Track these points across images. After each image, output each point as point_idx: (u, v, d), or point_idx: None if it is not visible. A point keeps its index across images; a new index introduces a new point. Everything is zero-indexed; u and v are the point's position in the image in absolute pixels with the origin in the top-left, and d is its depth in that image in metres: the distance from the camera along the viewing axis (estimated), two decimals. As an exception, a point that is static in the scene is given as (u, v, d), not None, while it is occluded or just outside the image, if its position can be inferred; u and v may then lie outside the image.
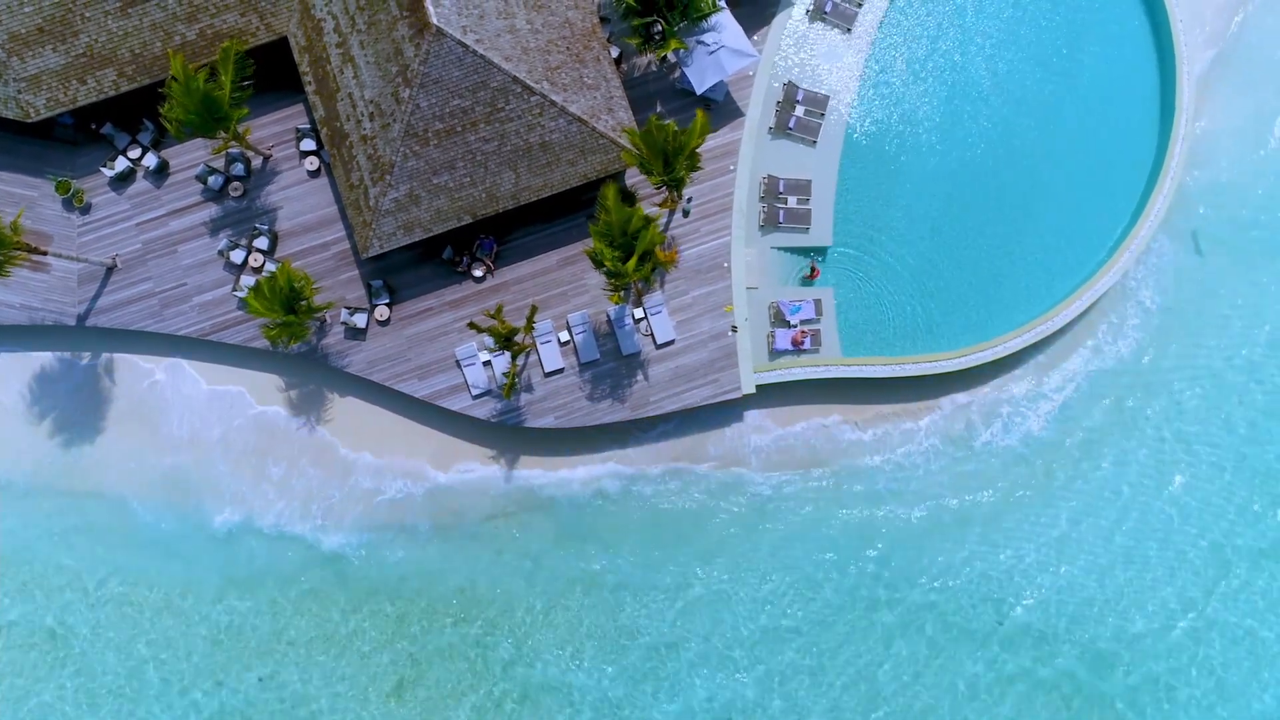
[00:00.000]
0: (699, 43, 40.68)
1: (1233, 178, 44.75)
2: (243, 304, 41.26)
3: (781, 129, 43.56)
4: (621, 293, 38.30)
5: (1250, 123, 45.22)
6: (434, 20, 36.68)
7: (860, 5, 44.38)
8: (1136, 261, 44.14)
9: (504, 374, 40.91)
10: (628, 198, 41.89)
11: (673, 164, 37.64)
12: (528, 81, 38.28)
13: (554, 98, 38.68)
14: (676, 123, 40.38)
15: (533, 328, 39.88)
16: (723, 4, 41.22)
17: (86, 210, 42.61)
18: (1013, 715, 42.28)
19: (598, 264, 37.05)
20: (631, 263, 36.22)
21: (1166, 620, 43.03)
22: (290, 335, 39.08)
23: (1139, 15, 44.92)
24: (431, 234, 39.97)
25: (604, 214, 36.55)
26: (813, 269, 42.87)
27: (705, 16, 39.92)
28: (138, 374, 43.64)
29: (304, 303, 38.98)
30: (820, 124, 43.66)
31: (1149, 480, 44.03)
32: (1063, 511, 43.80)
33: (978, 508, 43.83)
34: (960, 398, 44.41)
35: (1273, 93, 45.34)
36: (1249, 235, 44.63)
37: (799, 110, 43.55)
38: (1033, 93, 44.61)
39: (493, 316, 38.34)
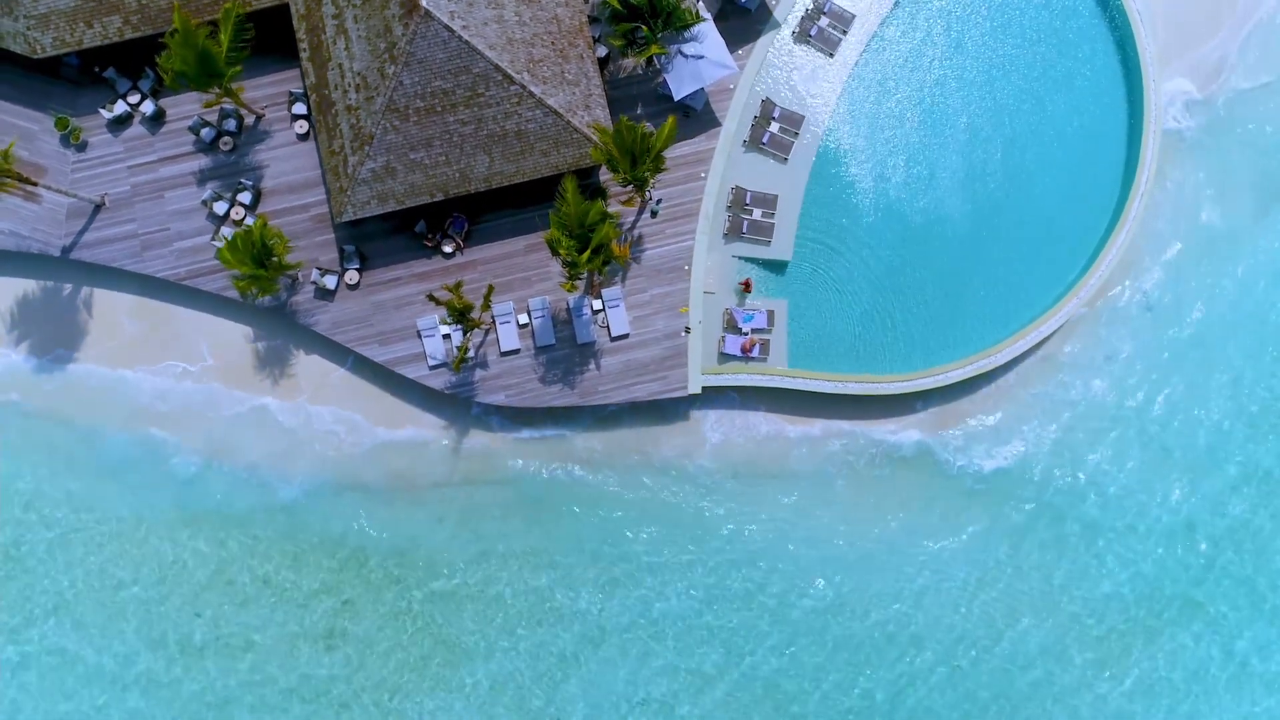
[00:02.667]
0: (680, 51, 42.19)
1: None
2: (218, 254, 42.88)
3: (755, 143, 45.01)
4: (576, 282, 39.82)
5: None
6: (423, 3, 38.32)
7: (845, 32, 45.76)
8: (1087, 306, 45.38)
9: (458, 347, 42.46)
10: (598, 193, 43.53)
11: (639, 164, 39.16)
12: (509, 71, 39.88)
13: (533, 89, 40.27)
14: (647, 125, 41.82)
15: (489, 307, 41.50)
16: (707, 16, 42.71)
17: (82, 148, 44.39)
18: None
19: (554, 252, 38.61)
20: (586, 254, 37.76)
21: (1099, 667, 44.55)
22: (259, 289, 40.76)
23: (1114, 68, 46.17)
24: (404, 206, 41.59)
25: (563, 205, 38.10)
26: (746, 283, 44.27)
27: (688, 26, 41.43)
28: (115, 310, 45.28)
29: (275, 259, 40.64)
30: (793, 142, 45.09)
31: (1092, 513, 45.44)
32: (1002, 542, 45.20)
33: (922, 529, 45.12)
34: (902, 420, 45.62)
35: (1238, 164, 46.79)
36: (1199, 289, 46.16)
37: (774, 127, 44.99)
38: (1002, 133, 45.96)
39: (450, 291, 39.91)
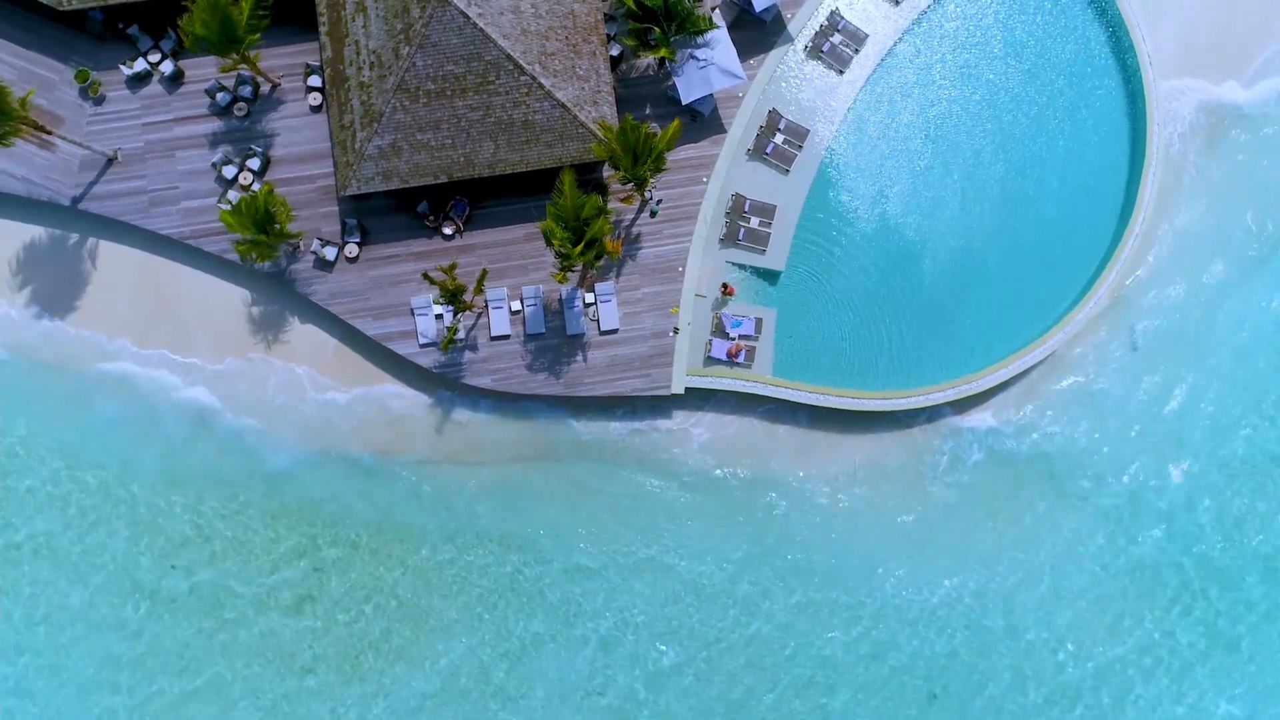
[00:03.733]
0: (691, 56, 42.85)
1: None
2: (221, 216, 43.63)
3: (759, 152, 45.61)
4: (568, 274, 40.48)
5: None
6: (441, -12, 39.08)
7: (857, 51, 46.33)
8: (1071, 341, 45.89)
9: (447, 328, 43.15)
10: (600, 189, 44.18)
11: (640, 163, 39.83)
12: (521, 61, 40.60)
13: (543, 81, 40.97)
14: (653, 125, 42.55)
15: (482, 291, 42.20)
16: (720, 24, 43.36)
17: (100, 102, 45.23)
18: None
19: (549, 242, 39.31)
20: (579, 247, 38.43)
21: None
22: (258, 254, 41.55)
23: (1120, 104, 46.72)
24: (407, 185, 42.34)
25: (560, 197, 38.78)
26: (725, 286, 44.82)
27: (701, 32, 42.06)
28: (118, 265, 46.05)
29: (276, 226, 41.42)
30: (796, 155, 45.68)
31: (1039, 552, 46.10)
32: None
33: (892, 546, 45.89)
34: (878, 437, 46.17)
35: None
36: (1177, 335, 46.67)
37: (779, 138, 45.59)
38: (1004, 160, 46.54)
39: (444, 272, 40.62)
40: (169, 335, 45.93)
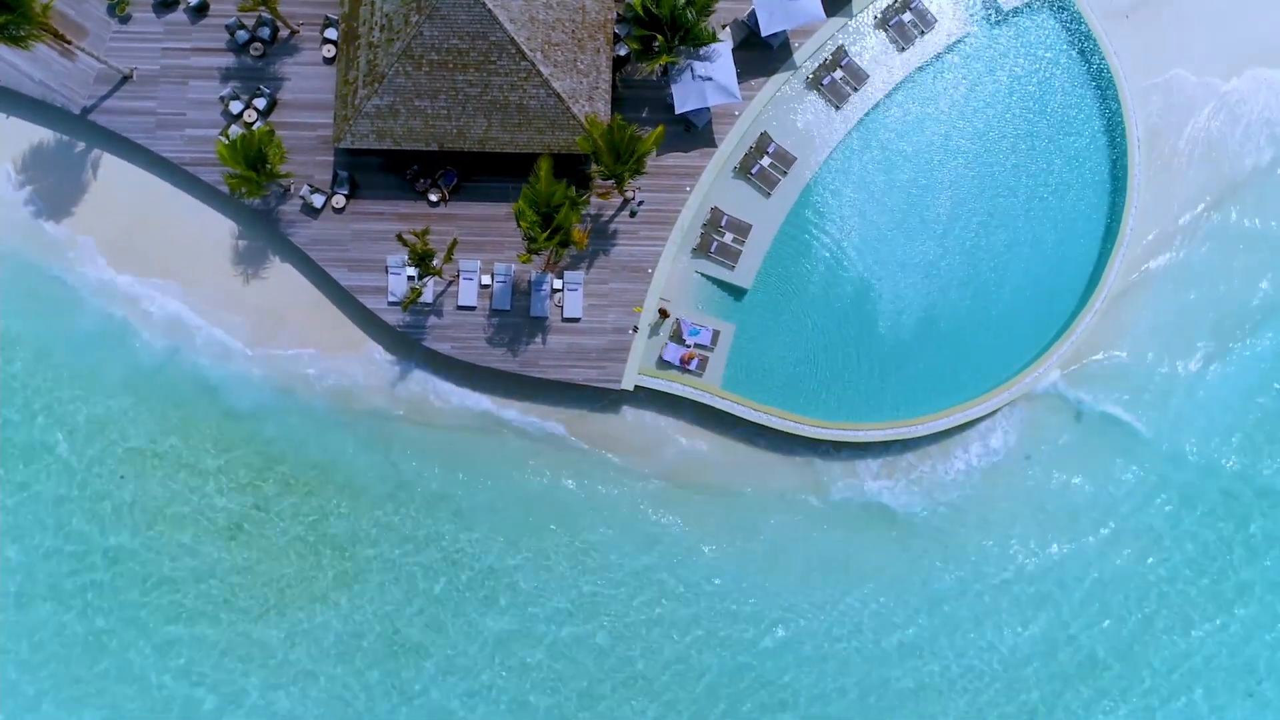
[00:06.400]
0: (690, 68, 44.09)
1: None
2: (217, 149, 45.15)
3: (744, 171, 46.81)
4: (533, 256, 41.80)
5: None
6: (456, -36, 40.49)
7: (856, 89, 47.45)
8: (1015, 402, 46.90)
9: (412, 289, 44.53)
10: (584, 181, 45.48)
11: (621, 161, 41.13)
12: (524, 47, 41.97)
13: (542, 69, 42.33)
14: (644, 128, 43.87)
15: (452, 259, 43.56)
16: (724, 40, 44.57)
17: (126, 20, 46.92)
18: None
19: (518, 222, 40.66)
20: (545, 232, 39.77)
21: None
22: (247, 189, 43.08)
23: (1103, 186, 47.77)
24: (399, 148, 43.76)
25: (536, 182, 40.14)
26: (662, 310, 46.02)
27: (703, 45, 43.28)
28: (116, 180, 47.55)
29: (268, 166, 42.95)
30: (780, 179, 46.85)
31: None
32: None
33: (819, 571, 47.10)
34: (816, 463, 47.29)
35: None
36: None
37: (766, 161, 46.77)
38: (980, 217, 47.55)
39: (416, 236, 42.02)
40: (152, 255, 47.40)
